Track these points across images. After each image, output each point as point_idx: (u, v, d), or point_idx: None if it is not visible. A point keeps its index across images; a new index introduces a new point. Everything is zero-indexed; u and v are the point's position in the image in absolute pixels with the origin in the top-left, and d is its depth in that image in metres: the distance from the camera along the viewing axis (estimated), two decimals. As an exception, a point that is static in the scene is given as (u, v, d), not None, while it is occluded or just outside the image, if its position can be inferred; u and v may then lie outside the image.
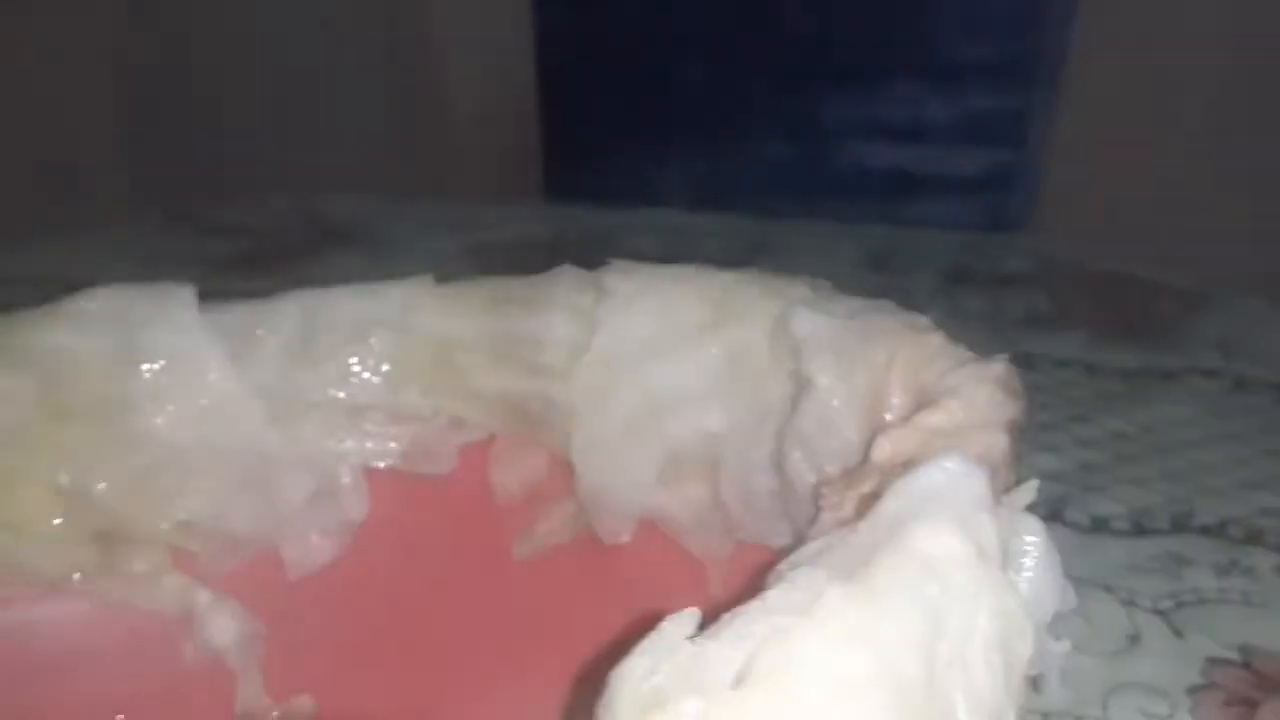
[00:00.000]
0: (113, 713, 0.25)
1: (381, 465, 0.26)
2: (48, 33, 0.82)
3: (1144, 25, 0.70)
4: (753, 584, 0.15)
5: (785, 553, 0.20)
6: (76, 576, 0.25)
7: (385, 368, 0.26)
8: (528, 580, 0.26)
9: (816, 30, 0.79)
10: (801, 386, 0.21)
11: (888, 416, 0.18)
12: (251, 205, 0.78)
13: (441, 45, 0.90)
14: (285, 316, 0.26)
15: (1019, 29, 0.76)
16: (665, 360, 0.24)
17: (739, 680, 0.12)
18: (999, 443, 0.17)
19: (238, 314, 0.26)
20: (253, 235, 0.72)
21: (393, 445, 0.26)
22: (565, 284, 0.25)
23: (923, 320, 0.19)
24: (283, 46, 0.89)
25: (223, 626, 0.26)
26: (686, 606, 0.23)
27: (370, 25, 0.88)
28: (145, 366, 0.25)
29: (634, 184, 0.90)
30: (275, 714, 0.25)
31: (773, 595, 0.13)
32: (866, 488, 0.16)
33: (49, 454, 0.24)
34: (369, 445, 0.26)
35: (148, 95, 0.87)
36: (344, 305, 0.26)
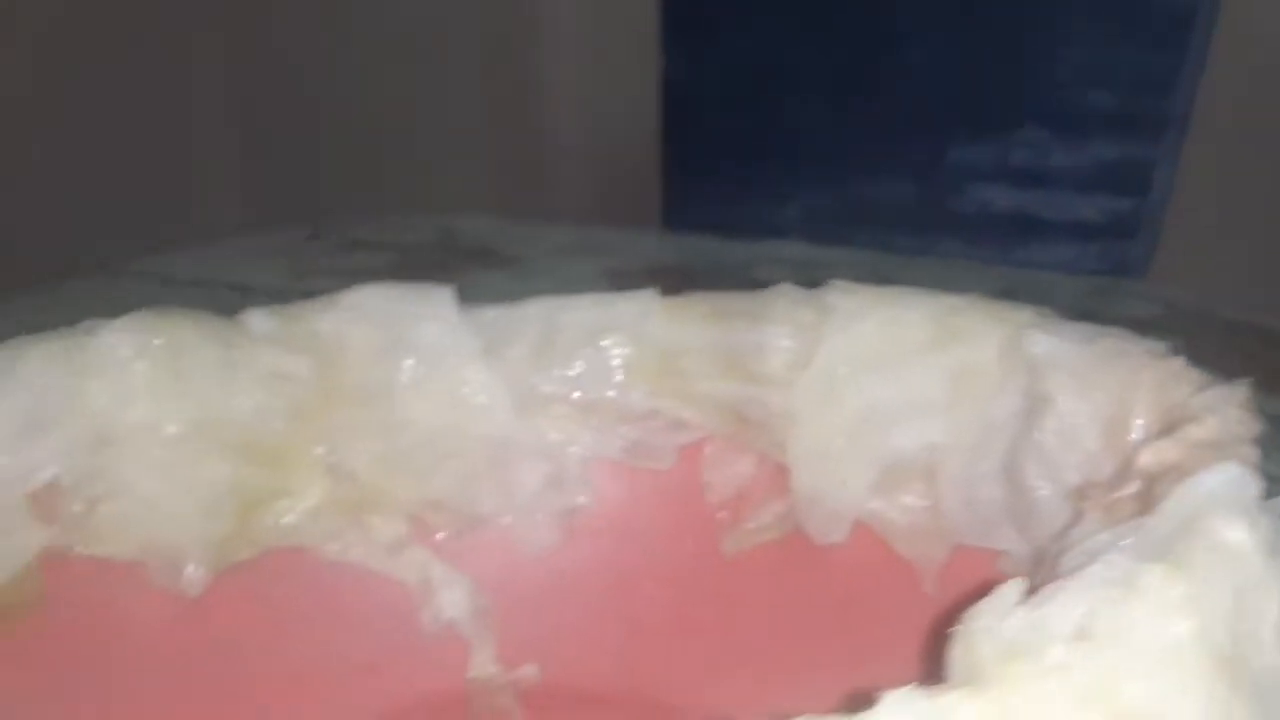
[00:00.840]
0: (356, 669, 0.27)
1: (608, 458, 0.28)
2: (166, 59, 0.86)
3: (1271, 76, 0.70)
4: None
5: (1025, 555, 0.21)
6: (333, 544, 0.28)
7: (616, 370, 0.28)
8: (737, 574, 0.28)
9: (943, 73, 0.81)
10: (1036, 404, 0.22)
11: (1133, 435, 0.20)
12: (391, 223, 0.82)
13: (566, 75, 0.94)
14: (529, 320, 0.28)
15: (1145, 79, 0.77)
16: (889, 375, 0.25)
17: (1078, 638, 0.14)
18: (1252, 455, 0.18)
19: (489, 316, 0.28)
20: (396, 250, 0.76)
21: (618, 441, 0.28)
22: (785, 300, 0.27)
23: (1159, 346, 0.21)
24: (408, 72, 0.93)
25: (456, 598, 0.28)
26: (895, 605, 0.25)
27: (495, 54, 0.92)
28: (408, 358, 0.28)
29: (752, 217, 0.92)
30: (504, 682, 0.27)
31: (1091, 572, 0.15)
32: (1131, 491, 0.18)
33: (320, 430, 0.27)
34: (597, 439, 0.28)
35: (269, 110, 0.91)
36: (581, 312, 0.28)
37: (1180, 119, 0.80)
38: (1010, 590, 0.15)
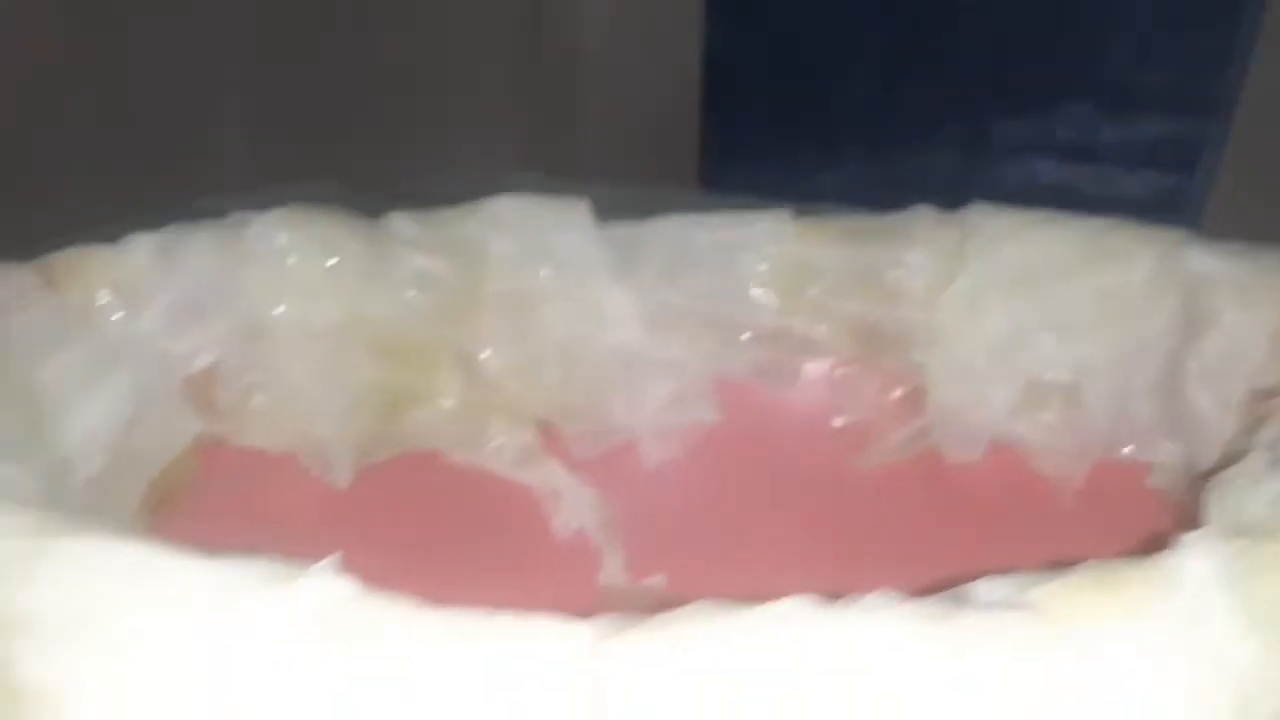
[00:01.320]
0: (489, 572, 0.27)
1: (736, 376, 0.29)
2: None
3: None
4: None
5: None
6: (466, 449, 0.28)
7: (747, 288, 0.28)
8: (866, 493, 0.28)
9: (990, 44, 0.81)
10: (1195, 320, 0.23)
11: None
12: (436, 178, 0.81)
13: (605, 31, 0.93)
14: (663, 236, 0.28)
15: (1195, 57, 0.76)
16: (1034, 294, 0.25)
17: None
18: None
19: (623, 230, 0.28)
20: (442, 201, 0.76)
21: (747, 359, 0.29)
22: (925, 220, 0.27)
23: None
24: (443, 32, 0.92)
25: (584, 508, 0.28)
26: (1031, 521, 0.25)
27: (532, 11, 0.91)
28: (544, 267, 0.28)
29: (790, 185, 0.92)
30: (633, 590, 0.27)
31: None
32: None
33: (458, 335, 0.27)
34: (726, 357, 0.28)
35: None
36: (714, 230, 0.28)
37: (1228, 98, 0.80)
38: (1257, 459, 0.15)
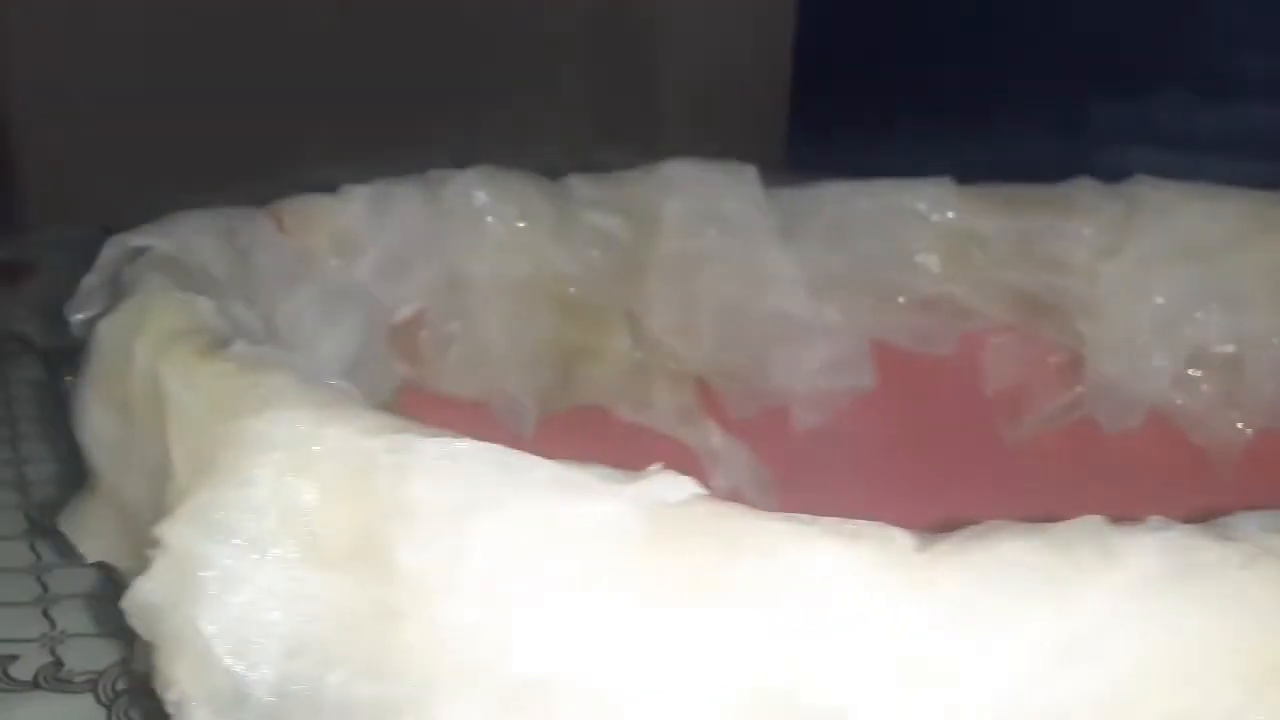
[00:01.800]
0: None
1: (892, 342, 0.29)
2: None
3: None
4: None
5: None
6: (631, 405, 0.29)
7: (909, 255, 0.29)
8: (1021, 462, 0.29)
9: (1092, 30, 0.80)
10: None
11: None
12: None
13: (696, 9, 0.93)
14: (826, 202, 0.29)
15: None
16: (1199, 266, 0.26)
17: None
18: None
19: (788, 196, 0.29)
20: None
21: (905, 325, 0.29)
22: (1088, 192, 0.28)
23: None
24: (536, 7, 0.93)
25: (738, 466, 0.29)
26: (1188, 493, 0.25)
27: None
28: (711, 229, 0.28)
29: (880, 163, 0.92)
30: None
31: None
32: None
33: (630, 294, 0.28)
34: (883, 323, 0.29)
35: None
36: (876, 197, 0.29)
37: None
38: None
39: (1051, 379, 0.29)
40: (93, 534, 0.16)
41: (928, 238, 0.29)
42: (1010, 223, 0.29)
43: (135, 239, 0.17)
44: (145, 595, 0.12)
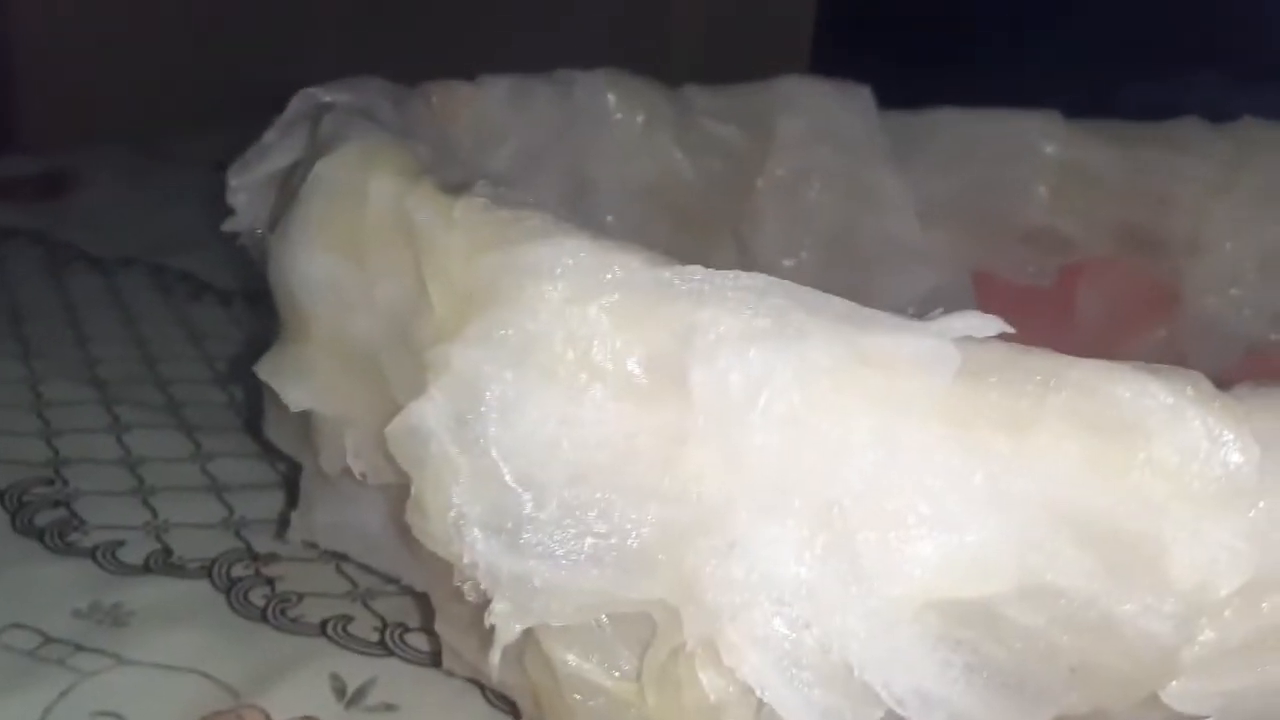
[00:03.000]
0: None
1: (995, 270, 0.29)
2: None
3: None
4: None
5: None
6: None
7: (1019, 185, 0.29)
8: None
9: (1125, 8, 0.80)
10: None
11: None
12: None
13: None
14: (940, 128, 0.29)
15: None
16: None
17: None
18: None
19: (901, 120, 0.29)
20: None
21: (1008, 254, 0.29)
22: (1199, 130, 0.28)
23: None
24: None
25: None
26: None
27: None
28: (824, 146, 0.28)
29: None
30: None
31: None
32: None
33: (739, 208, 0.28)
34: (988, 251, 0.29)
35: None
36: (989, 124, 0.29)
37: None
38: None
39: (1147, 314, 0.29)
40: (300, 380, 0.15)
41: (1038, 169, 0.29)
42: (1121, 157, 0.29)
43: (325, 94, 0.17)
44: (419, 419, 0.12)
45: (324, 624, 0.20)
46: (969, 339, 0.11)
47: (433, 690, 0.19)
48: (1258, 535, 0.11)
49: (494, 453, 0.12)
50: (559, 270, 0.12)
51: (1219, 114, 0.81)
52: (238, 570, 0.22)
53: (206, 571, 0.22)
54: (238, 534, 0.23)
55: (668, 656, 0.11)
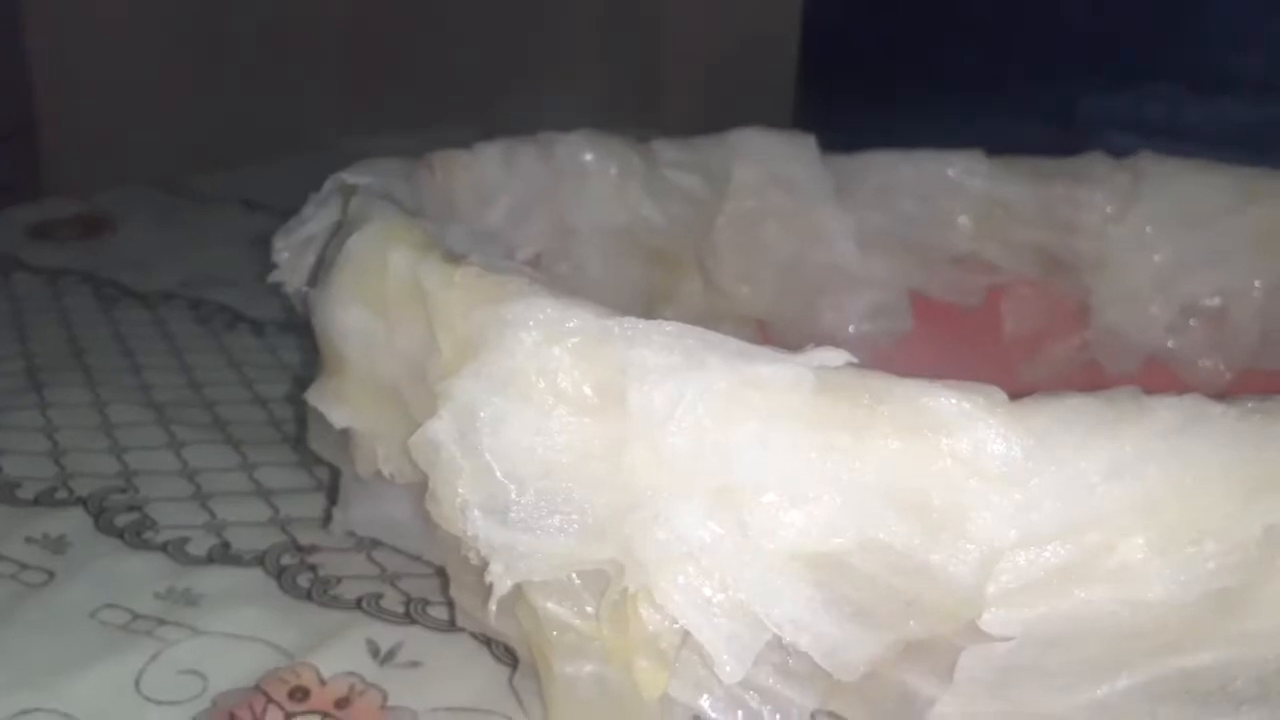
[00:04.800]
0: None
1: (929, 292, 0.33)
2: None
3: None
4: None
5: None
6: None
7: (942, 217, 0.33)
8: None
9: (1088, 19, 0.84)
10: None
11: None
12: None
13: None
14: (874, 168, 0.33)
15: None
16: (1197, 229, 0.30)
17: None
18: None
19: (841, 163, 0.33)
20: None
21: (940, 277, 0.33)
22: (1101, 164, 0.32)
23: None
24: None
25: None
26: None
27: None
28: (775, 190, 0.32)
29: (879, 141, 0.96)
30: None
31: None
32: None
33: (703, 245, 0.32)
34: (921, 276, 0.33)
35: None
36: (918, 164, 0.33)
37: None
38: None
39: (1063, 327, 0.33)
40: (340, 404, 0.19)
41: (961, 202, 0.33)
42: (1033, 190, 0.33)
43: (351, 177, 0.21)
44: (433, 434, 0.16)
45: (359, 600, 0.25)
46: (824, 367, 0.15)
47: (450, 650, 0.23)
48: (1030, 504, 0.15)
49: (487, 456, 0.16)
50: (532, 321, 0.16)
51: (1175, 124, 0.84)
52: (285, 559, 0.26)
53: (259, 561, 0.26)
54: (283, 529, 0.28)
55: (617, 600, 0.16)
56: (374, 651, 0.23)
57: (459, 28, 0.92)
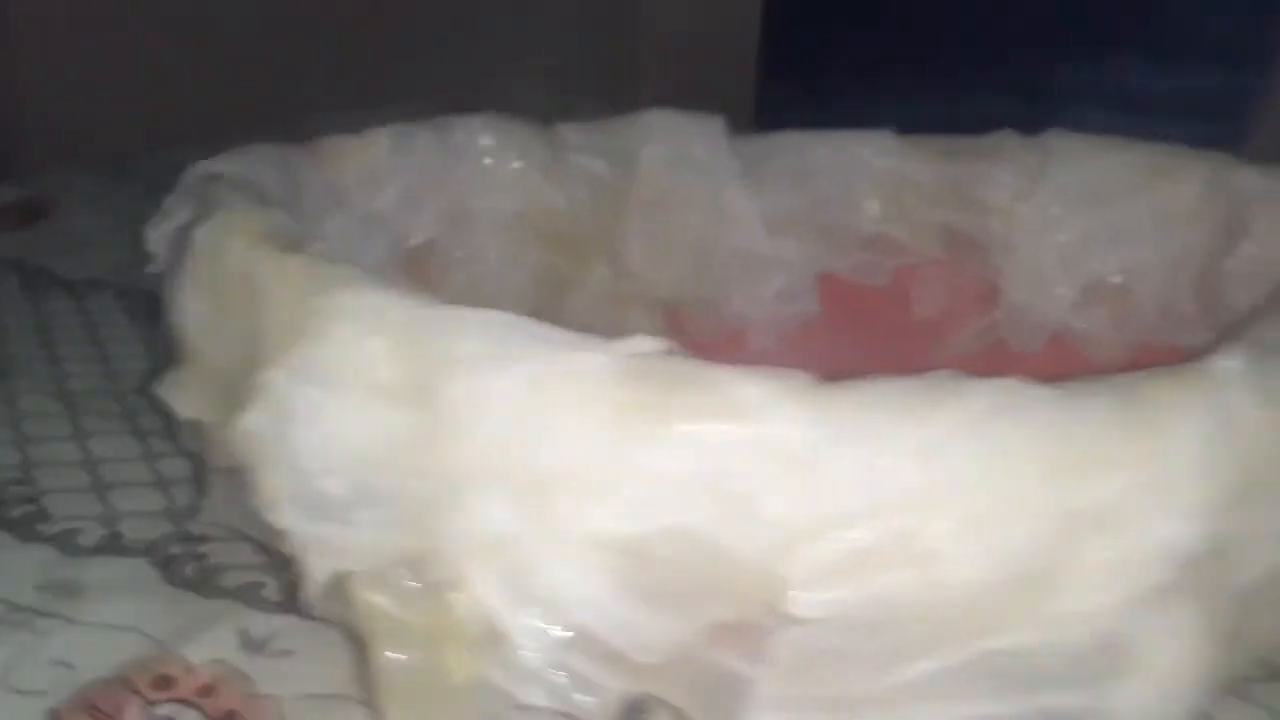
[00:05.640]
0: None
1: (837, 273, 0.33)
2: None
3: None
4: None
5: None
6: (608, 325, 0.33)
7: (850, 197, 0.33)
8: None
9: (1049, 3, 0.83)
10: (1235, 229, 0.27)
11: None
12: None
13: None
14: (783, 150, 0.33)
15: (1250, 14, 0.79)
16: (1102, 207, 0.30)
17: None
18: None
19: (750, 144, 0.33)
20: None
21: (848, 259, 0.33)
22: (1010, 143, 0.32)
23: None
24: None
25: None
26: None
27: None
28: (683, 172, 0.32)
29: (844, 119, 0.95)
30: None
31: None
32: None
33: (609, 230, 0.32)
34: (829, 257, 0.33)
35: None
36: (828, 146, 0.33)
37: (1275, 52, 0.82)
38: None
39: (971, 307, 0.33)
40: (187, 396, 0.19)
41: (870, 183, 0.33)
42: (942, 169, 0.33)
43: (212, 166, 0.21)
44: (250, 424, 0.16)
45: (238, 589, 0.25)
46: (635, 354, 0.15)
47: (322, 639, 0.23)
48: (830, 487, 0.15)
49: (300, 449, 0.16)
50: (350, 312, 0.16)
51: (1142, 97, 0.83)
52: (174, 549, 0.26)
53: (147, 551, 0.26)
54: (175, 519, 0.28)
55: (429, 589, 0.16)
56: (245, 641, 0.23)
57: (426, 5, 0.91)
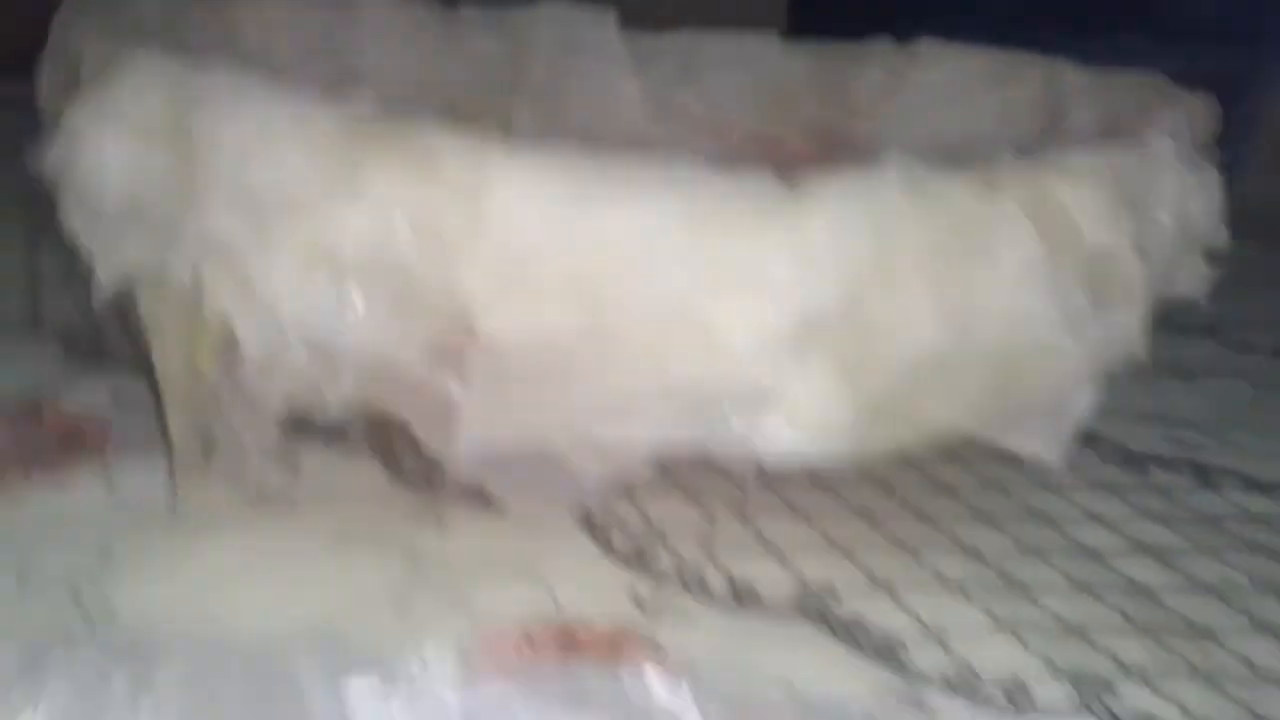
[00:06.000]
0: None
1: (720, 162, 0.35)
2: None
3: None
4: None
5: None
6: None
7: (735, 94, 0.35)
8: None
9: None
10: (1058, 117, 0.29)
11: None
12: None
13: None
14: (673, 46, 0.35)
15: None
16: (956, 105, 0.32)
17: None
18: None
19: (644, 40, 0.35)
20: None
21: (728, 152, 0.35)
22: (881, 48, 0.34)
23: (1160, 79, 0.27)
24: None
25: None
26: None
27: None
28: (576, 59, 0.35)
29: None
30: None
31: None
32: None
33: (502, 107, 0.35)
34: (716, 146, 0.35)
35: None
36: (716, 45, 0.35)
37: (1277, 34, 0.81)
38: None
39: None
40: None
41: (751, 79, 0.35)
42: (817, 69, 0.35)
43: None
44: (53, 153, 0.19)
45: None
46: (352, 113, 0.18)
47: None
48: (507, 225, 0.17)
49: (85, 173, 0.19)
50: (139, 68, 0.19)
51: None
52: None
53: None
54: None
55: (182, 296, 0.18)
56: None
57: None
